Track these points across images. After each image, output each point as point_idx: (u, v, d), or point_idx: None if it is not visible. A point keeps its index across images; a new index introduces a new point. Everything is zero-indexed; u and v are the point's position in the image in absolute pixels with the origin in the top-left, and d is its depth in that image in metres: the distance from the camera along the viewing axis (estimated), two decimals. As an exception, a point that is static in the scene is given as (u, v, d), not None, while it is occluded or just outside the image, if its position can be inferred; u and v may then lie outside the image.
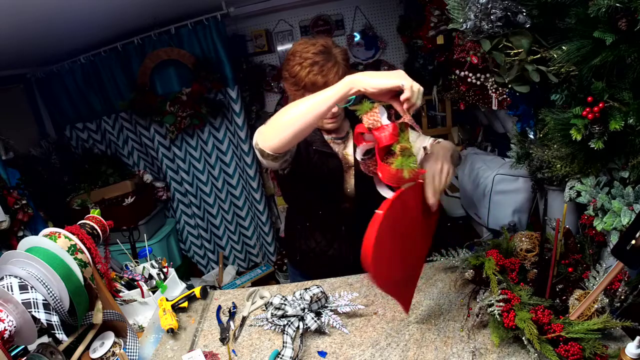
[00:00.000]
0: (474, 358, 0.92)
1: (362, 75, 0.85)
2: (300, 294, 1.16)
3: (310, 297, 1.13)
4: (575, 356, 0.81)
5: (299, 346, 1.02)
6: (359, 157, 0.95)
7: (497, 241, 1.20)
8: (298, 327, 1.07)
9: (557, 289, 1.01)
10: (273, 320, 1.13)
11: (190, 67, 2.70)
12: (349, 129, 1.38)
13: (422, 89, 0.85)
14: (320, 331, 1.09)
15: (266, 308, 1.20)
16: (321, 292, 1.15)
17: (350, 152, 1.39)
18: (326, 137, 1.37)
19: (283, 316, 1.12)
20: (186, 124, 2.74)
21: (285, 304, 1.14)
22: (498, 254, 1.07)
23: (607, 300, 0.91)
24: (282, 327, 1.09)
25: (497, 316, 0.92)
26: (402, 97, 0.84)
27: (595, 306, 0.89)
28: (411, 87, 0.82)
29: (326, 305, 1.15)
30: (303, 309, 1.11)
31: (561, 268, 1.03)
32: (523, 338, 0.88)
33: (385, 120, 0.82)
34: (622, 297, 0.93)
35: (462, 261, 1.17)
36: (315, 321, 1.08)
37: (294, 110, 0.97)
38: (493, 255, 1.06)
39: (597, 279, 0.97)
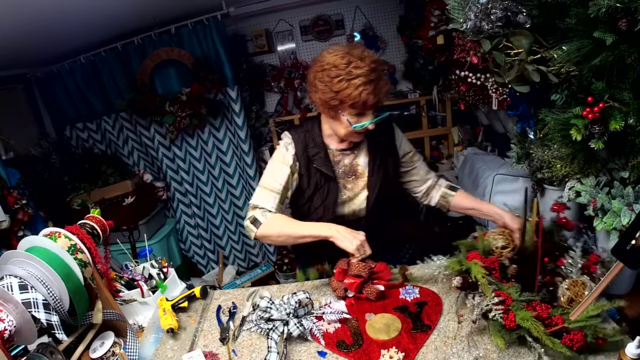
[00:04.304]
0: None
1: (340, 235, 1.17)
2: (287, 298, 1.16)
3: (296, 302, 1.13)
4: (579, 343, 0.83)
5: (283, 352, 1.01)
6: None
7: (470, 242, 1.18)
8: (283, 332, 1.05)
9: (539, 281, 1.02)
10: (259, 324, 1.11)
11: (190, 67, 2.70)
12: (364, 137, 1.34)
13: (358, 242, 1.16)
14: (303, 337, 1.06)
15: (253, 310, 1.19)
16: (307, 298, 1.15)
17: (361, 162, 1.36)
18: (334, 148, 1.35)
19: (269, 319, 1.10)
20: (185, 124, 2.74)
21: (271, 308, 1.13)
22: (479, 255, 1.06)
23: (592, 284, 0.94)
24: (267, 331, 1.07)
25: (499, 319, 0.91)
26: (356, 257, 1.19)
27: (586, 292, 0.93)
28: (356, 249, 1.15)
29: (312, 311, 1.14)
30: (288, 314, 1.10)
31: (530, 258, 1.05)
32: (527, 337, 0.89)
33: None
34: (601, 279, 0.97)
35: (444, 267, 1.13)
36: (298, 327, 1.05)
37: (287, 232, 1.25)
38: (477, 258, 1.05)
39: (573, 262, 1.02)
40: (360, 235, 1.17)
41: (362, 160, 1.37)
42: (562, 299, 0.97)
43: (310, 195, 1.35)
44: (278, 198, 1.30)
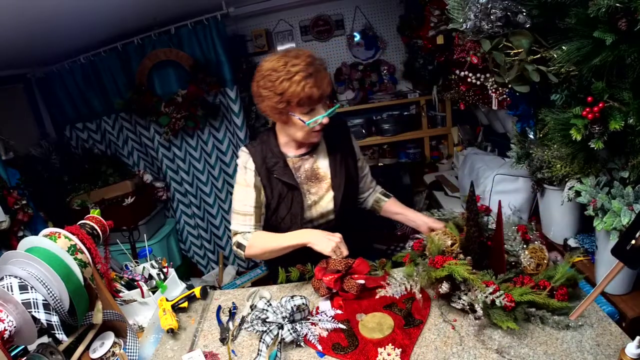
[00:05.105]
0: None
1: (315, 239, 1.21)
2: (285, 301, 1.16)
3: (292, 307, 1.12)
4: (567, 295, 0.99)
5: (279, 355, 1.00)
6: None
7: (413, 253, 1.21)
8: (277, 335, 1.04)
9: (485, 262, 1.10)
10: (254, 325, 1.10)
11: (187, 68, 2.70)
12: (321, 140, 1.36)
13: (334, 244, 1.18)
14: (296, 343, 1.05)
15: (251, 310, 1.19)
16: (304, 304, 1.15)
17: (322, 164, 1.37)
18: (292, 155, 1.35)
19: (265, 321, 1.10)
20: (180, 125, 2.74)
21: (267, 310, 1.13)
22: (443, 257, 1.08)
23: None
24: (260, 333, 1.06)
25: (506, 303, 0.94)
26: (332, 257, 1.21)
27: (548, 255, 1.08)
28: (332, 251, 1.18)
29: (308, 317, 1.13)
30: (284, 318, 1.09)
31: (480, 245, 1.12)
32: (529, 309, 0.97)
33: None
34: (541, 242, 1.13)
35: (418, 277, 1.12)
36: (291, 333, 1.04)
37: (269, 248, 1.29)
38: (446, 259, 1.06)
39: (513, 237, 1.16)
40: (336, 237, 1.19)
41: (322, 163, 1.37)
42: (529, 267, 1.07)
43: (275, 206, 1.35)
44: (253, 218, 1.34)
